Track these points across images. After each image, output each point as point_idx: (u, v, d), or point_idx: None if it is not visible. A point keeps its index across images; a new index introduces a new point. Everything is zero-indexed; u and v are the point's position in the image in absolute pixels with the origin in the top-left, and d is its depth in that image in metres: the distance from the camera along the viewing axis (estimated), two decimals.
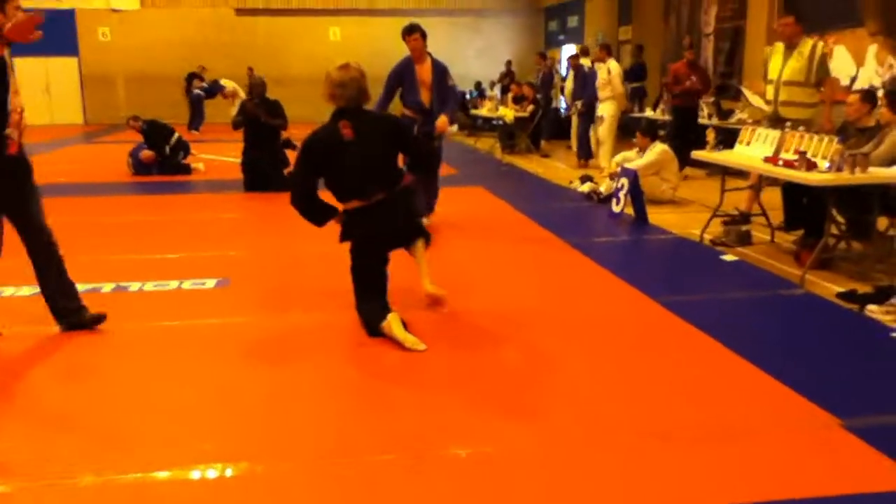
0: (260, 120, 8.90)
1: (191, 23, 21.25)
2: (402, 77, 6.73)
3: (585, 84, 11.40)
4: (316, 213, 4.23)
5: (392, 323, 3.91)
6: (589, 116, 11.38)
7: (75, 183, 10.01)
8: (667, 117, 11.90)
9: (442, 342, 3.98)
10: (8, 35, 3.53)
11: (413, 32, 6.61)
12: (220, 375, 3.60)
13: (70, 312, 4.19)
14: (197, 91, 18.39)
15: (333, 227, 4.33)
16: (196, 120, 18.44)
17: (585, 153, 11.46)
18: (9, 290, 4.94)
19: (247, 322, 4.37)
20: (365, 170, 4.06)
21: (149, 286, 5.04)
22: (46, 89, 21.65)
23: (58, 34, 21.25)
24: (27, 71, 21.28)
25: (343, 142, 4.02)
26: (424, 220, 5.01)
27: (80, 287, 4.93)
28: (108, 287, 5.02)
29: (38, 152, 13.92)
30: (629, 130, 11.57)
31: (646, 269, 5.82)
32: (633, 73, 14.16)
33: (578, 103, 11.59)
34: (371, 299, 4.12)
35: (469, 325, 4.30)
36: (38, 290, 4.87)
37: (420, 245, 4.40)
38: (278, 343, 4.04)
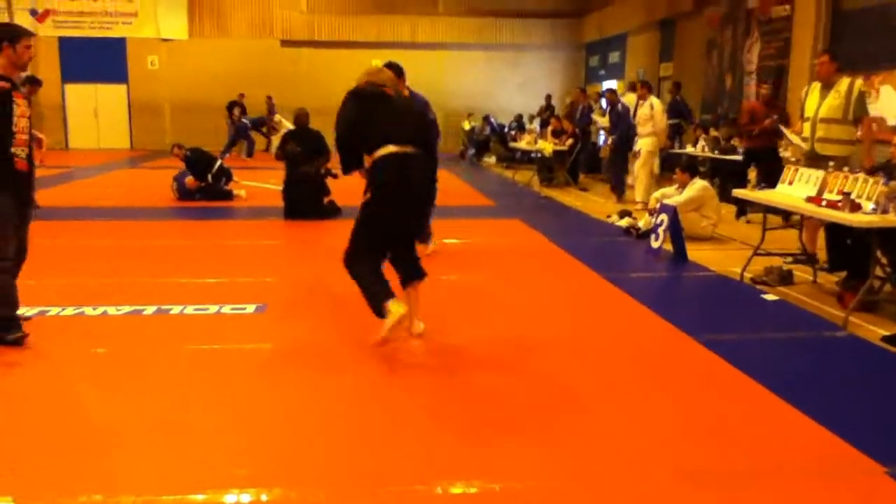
0: (300, 157, 9.15)
1: (236, 53, 21.74)
2: None
3: (619, 119, 11.42)
4: (352, 152, 4.36)
5: (399, 310, 4.14)
6: (622, 151, 11.37)
7: (121, 207, 10.24)
8: (707, 153, 11.83)
9: (470, 370, 3.98)
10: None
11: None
12: (255, 399, 3.63)
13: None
14: (244, 121, 19.01)
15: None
16: (249, 147, 19.37)
17: (619, 188, 11.44)
18: (54, 310, 5.05)
19: (283, 348, 4.40)
20: (401, 119, 4.33)
21: (189, 310, 5.12)
22: (95, 114, 22.25)
23: (109, 62, 21.94)
24: (78, 96, 22.01)
25: (385, 94, 4.37)
26: (428, 247, 5.09)
27: (124, 308, 5.05)
28: (150, 309, 5.11)
29: (86, 176, 14.33)
30: (669, 166, 11.53)
31: (684, 306, 5.76)
32: (673, 110, 14.13)
33: (611, 138, 11.59)
34: (374, 270, 4.28)
35: (499, 354, 4.29)
36: (80, 309, 5.00)
37: (417, 285, 4.56)
38: (313, 369, 4.07)
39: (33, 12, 21.57)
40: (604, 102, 14.67)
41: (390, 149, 4.22)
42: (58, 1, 21.61)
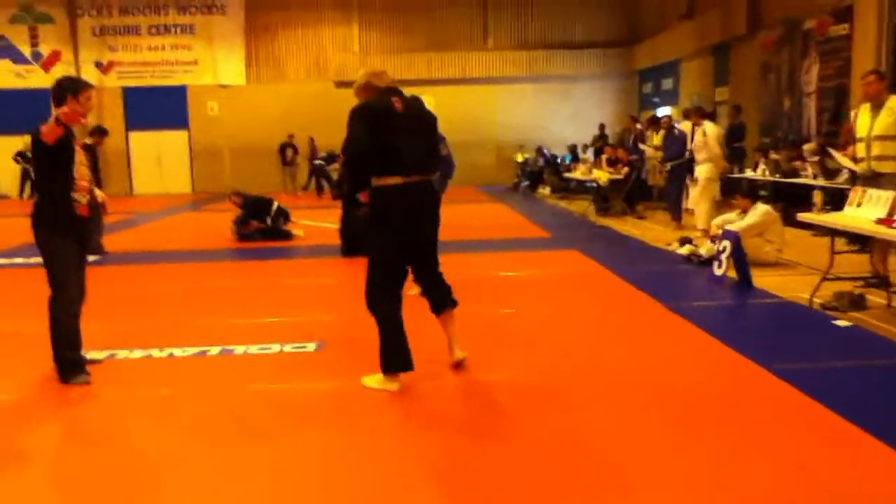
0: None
1: (292, 96, 22.26)
2: None
3: (674, 144, 11.27)
4: (360, 174, 4.20)
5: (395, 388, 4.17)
6: (677, 177, 11.21)
7: (184, 250, 10.49)
8: (767, 177, 11.58)
9: (532, 409, 3.91)
10: (63, 119, 4.21)
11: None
12: (318, 439, 3.63)
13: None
14: (318, 161, 19.46)
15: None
16: (328, 185, 19.59)
17: (676, 214, 11.26)
18: (123, 353, 5.16)
19: (343, 387, 4.39)
20: (410, 145, 4.10)
21: (253, 349, 5.18)
22: (158, 160, 22.97)
23: (171, 109, 22.70)
24: (141, 143, 22.78)
25: (395, 112, 4.11)
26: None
27: (190, 350, 5.14)
28: (214, 350, 5.19)
29: (150, 220, 14.75)
30: (729, 192, 11.31)
31: (751, 334, 5.58)
32: (732, 134, 13.91)
33: (667, 164, 11.41)
34: (400, 324, 4.20)
35: (561, 390, 4.21)
36: (147, 352, 5.10)
37: (450, 312, 4.47)
38: (372, 407, 4.06)
39: (98, 64, 22.52)
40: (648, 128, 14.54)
41: (396, 180, 4.10)
42: (122, 53, 22.51)
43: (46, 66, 22.37)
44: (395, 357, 4.20)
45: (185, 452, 3.52)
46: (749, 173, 12.35)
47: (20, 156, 21.54)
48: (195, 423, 3.90)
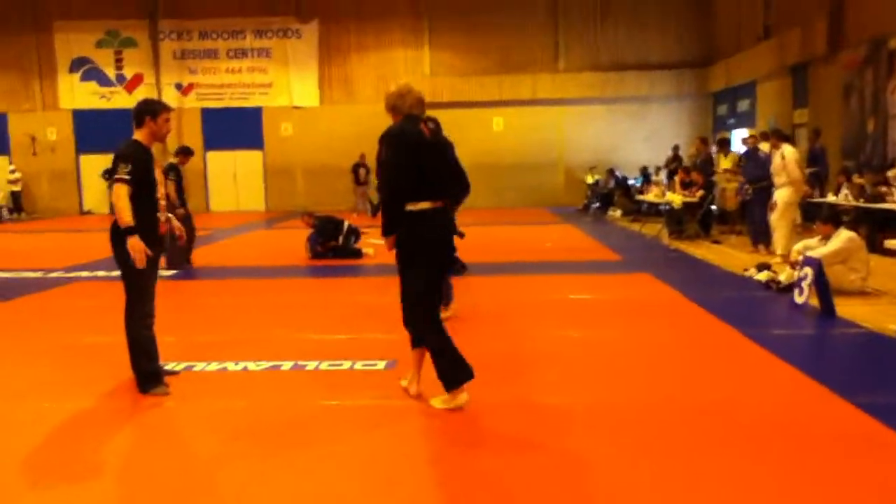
0: None
1: (363, 117, 22.54)
2: None
3: (757, 167, 10.95)
4: (401, 215, 4.16)
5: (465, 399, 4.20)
6: (761, 200, 10.88)
7: (259, 266, 10.72)
8: (850, 202, 11.17)
9: (595, 434, 3.83)
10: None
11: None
12: (386, 455, 3.63)
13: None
14: None
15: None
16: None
17: (757, 239, 10.92)
18: (200, 365, 5.28)
19: (413, 404, 4.39)
20: (439, 170, 4.20)
21: (324, 365, 5.23)
22: (234, 179, 23.59)
23: (247, 130, 23.32)
24: (218, 162, 23.44)
25: (425, 138, 4.19)
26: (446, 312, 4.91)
27: (263, 364, 5.23)
28: (287, 365, 5.26)
29: (226, 237, 15.13)
30: (811, 217, 10.96)
31: (835, 365, 5.36)
32: (812, 158, 13.50)
33: (748, 187, 11.07)
34: (449, 337, 4.23)
35: (632, 420, 4.11)
36: (223, 365, 5.21)
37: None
38: (442, 424, 4.04)
39: (179, 86, 23.33)
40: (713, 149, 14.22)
41: (426, 205, 4.14)
42: (201, 75, 23.28)
43: (130, 87, 23.31)
44: (457, 370, 4.22)
45: (246, 463, 3.56)
46: (831, 198, 11.94)
47: (107, 173, 22.44)
48: (262, 434, 3.95)
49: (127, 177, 4.52)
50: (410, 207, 4.14)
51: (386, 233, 4.24)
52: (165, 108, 4.79)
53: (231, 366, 5.26)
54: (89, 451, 3.81)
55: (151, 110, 4.71)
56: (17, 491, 3.35)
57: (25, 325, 6.93)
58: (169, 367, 5.07)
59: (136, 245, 4.48)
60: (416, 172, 4.10)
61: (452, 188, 4.30)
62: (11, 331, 6.70)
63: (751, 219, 11.31)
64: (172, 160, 10.23)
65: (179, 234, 5.52)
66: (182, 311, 7.50)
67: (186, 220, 10.03)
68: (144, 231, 4.56)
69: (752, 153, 11.42)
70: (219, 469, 3.54)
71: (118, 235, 4.59)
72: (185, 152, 10.36)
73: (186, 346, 5.70)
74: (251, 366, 5.25)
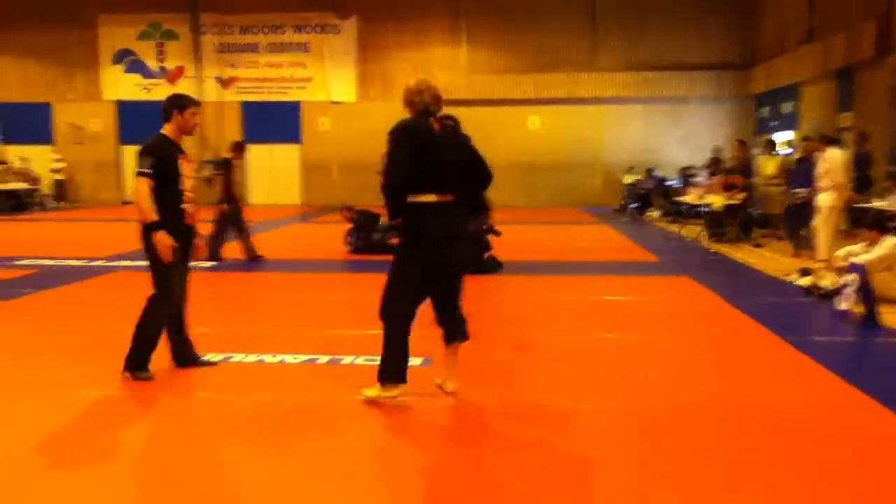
0: None
1: (400, 114, 22.43)
2: None
3: (808, 172, 10.73)
4: (401, 207, 4.17)
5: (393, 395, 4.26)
6: (808, 205, 10.68)
7: (298, 259, 10.80)
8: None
9: (638, 443, 3.79)
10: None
11: None
12: (415, 453, 3.63)
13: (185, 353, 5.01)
14: None
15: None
16: None
17: (802, 242, 10.74)
18: (238, 356, 5.33)
19: (446, 402, 4.39)
20: (447, 163, 4.15)
21: (360, 360, 5.25)
22: (271, 172, 23.78)
23: (285, 124, 23.51)
24: (256, 155, 23.54)
25: (433, 132, 4.17)
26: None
27: (300, 357, 5.27)
28: (323, 359, 5.29)
29: (264, 230, 15.25)
30: (856, 222, 10.73)
31: (880, 375, 5.23)
32: (858, 162, 13.22)
33: (802, 191, 10.78)
34: (406, 339, 4.26)
35: (665, 424, 4.07)
36: (260, 357, 5.26)
37: (458, 346, 4.43)
38: (473, 425, 4.03)
39: (219, 80, 23.58)
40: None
41: (431, 197, 4.12)
42: (241, 69, 23.52)
43: (172, 80, 23.61)
44: (392, 370, 4.27)
45: (269, 452, 3.59)
46: (877, 203, 11.69)
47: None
48: (290, 426, 4.00)
49: (149, 171, 4.61)
50: (413, 199, 4.13)
51: (391, 219, 4.32)
52: (193, 103, 4.87)
53: (268, 358, 5.30)
54: (116, 437, 3.91)
55: (179, 104, 4.80)
56: (46, 473, 3.41)
57: (68, 314, 7.06)
58: (207, 357, 5.14)
59: (162, 239, 4.60)
60: (419, 166, 4.09)
61: (465, 184, 4.28)
62: (55, 319, 6.82)
63: (793, 223, 11.09)
64: (227, 155, 10.37)
65: (199, 244, 5.13)
66: (221, 303, 7.59)
67: (233, 215, 10.14)
68: (170, 224, 4.64)
69: (805, 158, 11.13)
70: (242, 459, 3.57)
71: (146, 229, 4.67)
72: (238, 148, 10.47)
73: (225, 338, 5.76)
74: (288, 359, 5.29)
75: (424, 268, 4.18)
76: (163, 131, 4.80)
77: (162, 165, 4.63)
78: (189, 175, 4.81)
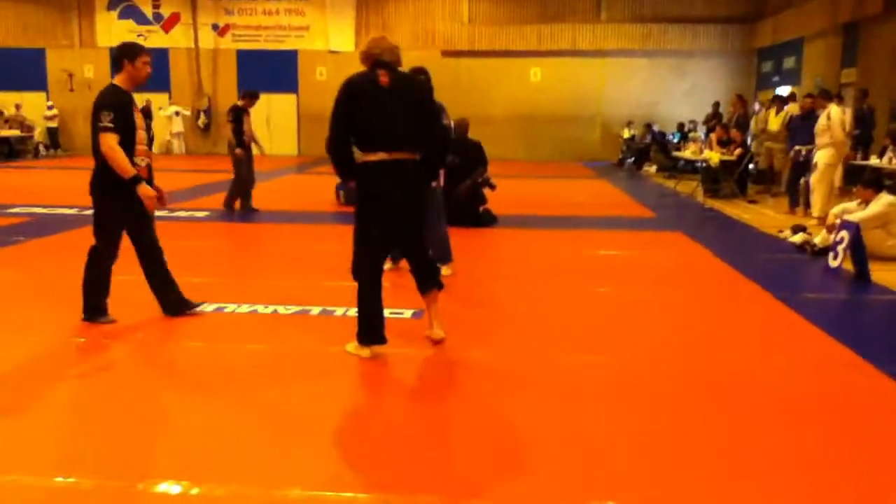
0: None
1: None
2: None
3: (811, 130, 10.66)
4: (345, 165, 4.23)
5: (365, 354, 4.27)
6: (803, 163, 10.63)
7: (292, 211, 10.77)
8: (895, 166, 10.88)
9: (629, 402, 3.82)
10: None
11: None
12: (397, 405, 3.67)
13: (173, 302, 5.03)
14: None
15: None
16: None
17: (796, 200, 10.72)
18: (230, 307, 5.35)
19: (430, 355, 4.42)
20: (395, 119, 4.05)
21: (351, 312, 5.25)
22: (267, 123, 23.56)
23: (282, 73, 23.22)
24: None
25: (379, 86, 4.06)
26: (445, 270, 4.93)
27: (292, 308, 5.28)
28: (315, 310, 5.31)
29: (260, 180, 15.16)
30: (853, 179, 10.69)
31: (868, 332, 5.27)
32: (859, 119, 13.11)
33: (803, 149, 10.68)
34: (376, 297, 4.26)
35: (656, 380, 4.09)
36: (254, 308, 5.28)
37: (435, 294, 4.51)
38: (461, 378, 4.07)
39: (215, 27, 23.23)
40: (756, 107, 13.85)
41: (380, 156, 4.06)
42: (237, 16, 23.15)
43: (167, 27, 23.27)
44: (363, 328, 4.28)
45: (268, 404, 3.62)
46: (874, 161, 11.64)
47: (142, 110, 22.54)
48: (291, 377, 4.02)
49: (111, 125, 4.57)
50: (362, 158, 4.11)
51: (341, 178, 4.26)
52: (144, 51, 4.80)
53: (261, 308, 5.32)
54: (87, 384, 3.93)
55: (130, 54, 4.74)
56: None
57: (60, 262, 7.05)
58: (202, 308, 5.16)
59: (146, 192, 4.64)
60: (362, 123, 4.05)
61: (420, 142, 4.18)
62: (47, 267, 6.82)
63: (795, 180, 11.03)
64: (238, 103, 10.32)
65: (160, 195, 4.97)
66: (218, 253, 7.60)
67: (244, 162, 10.14)
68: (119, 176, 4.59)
69: (808, 115, 11.01)
70: (193, 406, 3.61)
71: (103, 188, 4.67)
72: (250, 95, 10.42)
73: (218, 288, 5.78)
74: (281, 309, 5.31)
75: (374, 224, 4.19)
76: (115, 82, 4.76)
77: (119, 118, 4.59)
78: (141, 126, 4.78)
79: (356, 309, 4.33)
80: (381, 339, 4.30)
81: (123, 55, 4.73)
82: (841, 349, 4.57)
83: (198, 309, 5.13)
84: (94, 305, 4.86)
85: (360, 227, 4.24)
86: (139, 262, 4.96)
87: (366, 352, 4.31)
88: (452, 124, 6.59)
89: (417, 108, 4.18)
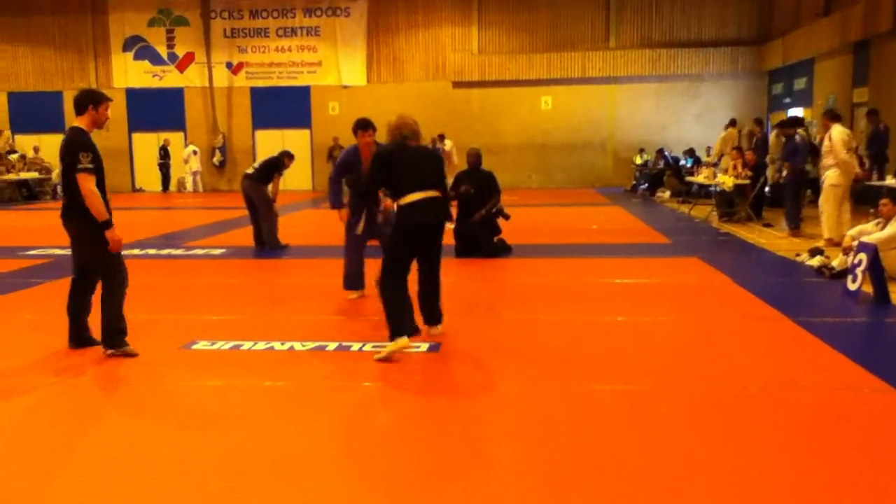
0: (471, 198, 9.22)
1: (410, 96, 22.52)
2: (351, 167, 6.80)
3: (796, 151, 10.80)
4: (365, 195, 6.33)
5: (404, 344, 4.98)
6: (797, 184, 10.75)
7: (308, 245, 10.82)
8: None
9: (650, 426, 3.79)
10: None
11: (367, 129, 6.77)
12: (416, 439, 3.65)
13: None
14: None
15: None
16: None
17: (794, 222, 10.79)
18: (247, 345, 5.37)
19: (450, 388, 4.40)
20: (423, 170, 5.24)
21: (368, 347, 5.27)
22: None
23: (296, 109, 23.49)
24: (266, 141, 23.66)
25: (408, 147, 5.31)
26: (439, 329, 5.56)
27: (309, 345, 5.28)
28: (332, 346, 5.32)
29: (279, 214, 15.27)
30: (868, 199, 10.64)
31: (890, 355, 5.20)
32: (874, 139, 13.07)
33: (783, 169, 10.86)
34: (403, 295, 5.15)
35: (679, 406, 4.06)
36: (269, 344, 5.29)
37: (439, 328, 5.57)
38: (482, 412, 4.04)
39: (229, 65, 23.58)
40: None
41: (414, 197, 5.10)
42: (251, 54, 23.49)
43: (181, 66, 23.65)
44: (394, 325, 5.01)
45: (293, 439, 3.62)
46: (890, 181, 11.55)
47: (161, 150, 22.91)
48: (306, 412, 4.02)
49: (91, 166, 4.78)
50: (401, 201, 5.17)
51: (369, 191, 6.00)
52: (107, 99, 5.09)
53: (277, 346, 5.33)
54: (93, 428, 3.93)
55: (94, 100, 5.00)
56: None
57: None
58: (217, 345, 5.18)
59: (114, 236, 4.91)
60: (396, 178, 5.19)
61: (432, 183, 5.22)
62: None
63: (789, 201, 11.11)
64: (283, 161, 10.84)
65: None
66: (231, 291, 7.63)
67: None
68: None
69: (790, 139, 11.19)
70: (265, 441, 3.61)
71: (81, 214, 4.84)
72: (290, 156, 11.22)
73: (235, 326, 5.80)
74: (297, 346, 5.32)
75: (407, 245, 5.20)
76: (78, 124, 4.94)
77: (94, 158, 4.82)
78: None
79: (385, 316, 5.05)
80: (414, 330, 5.12)
81: (90, 101, 4.98)
82: (863, 373, 4.51)
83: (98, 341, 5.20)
84: (120, 329, 5.02)
85: (394, 247, 5.26)
86: (81, 288, 5.16)
87: (403, 340, 4.95)
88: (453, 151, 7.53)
89: (432, 161, 5.43)
